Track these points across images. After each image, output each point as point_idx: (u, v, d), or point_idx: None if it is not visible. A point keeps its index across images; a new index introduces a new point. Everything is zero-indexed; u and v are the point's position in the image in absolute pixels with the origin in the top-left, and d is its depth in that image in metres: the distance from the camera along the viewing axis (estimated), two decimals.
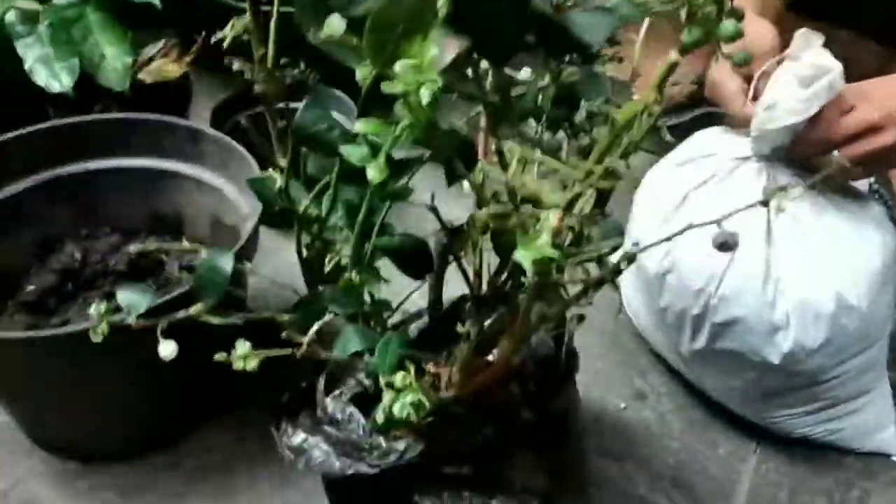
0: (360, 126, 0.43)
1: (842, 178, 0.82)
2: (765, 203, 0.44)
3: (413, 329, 0.74)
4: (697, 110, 0.94)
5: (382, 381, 0.51)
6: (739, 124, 0.84)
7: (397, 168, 0.48)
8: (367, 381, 0.71)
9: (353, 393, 0.71)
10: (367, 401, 0.68)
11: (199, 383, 0.90)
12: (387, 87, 0.40)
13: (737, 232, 0.43)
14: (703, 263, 0.82)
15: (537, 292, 0.50)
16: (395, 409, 0.49)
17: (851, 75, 0.76)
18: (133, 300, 0.50)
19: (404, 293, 0.66)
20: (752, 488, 0.88)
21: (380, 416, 0.50)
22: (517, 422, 0.68)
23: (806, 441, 0.91)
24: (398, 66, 0.37)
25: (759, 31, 0.84)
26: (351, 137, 0.49)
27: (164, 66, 1.19)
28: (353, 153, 0.47)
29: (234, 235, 0.87)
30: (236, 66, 0.58)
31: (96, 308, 0.48)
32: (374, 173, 0.45)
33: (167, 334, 0.51)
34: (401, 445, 0.66)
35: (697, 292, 0.82)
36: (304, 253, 0.59)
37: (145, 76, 1.22)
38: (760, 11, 0.92)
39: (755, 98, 0.80)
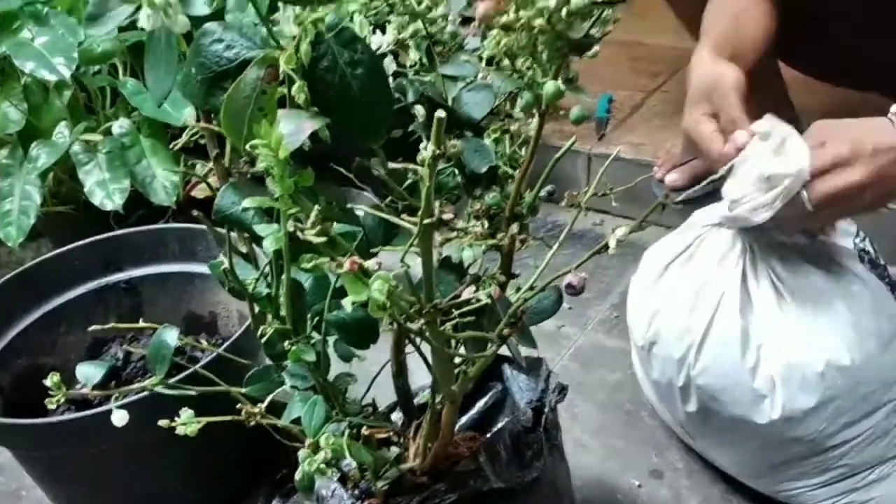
0: (247, 202, 0.49)
1: (813, 226, 0.81)
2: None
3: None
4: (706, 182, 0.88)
5: (308, 442, 0.55)
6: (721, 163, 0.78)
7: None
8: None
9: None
10: None
11: (224, 472, 0.95)
12: (258, 166, 0.46)
13: (585, 276, 0.45)
14: (681, 334, 0.82)
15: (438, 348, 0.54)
16: (306, 466, 0.52)
17: None
18: (89, 372, 0.56)
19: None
20: None
21: (298, 475, 0.54)
22: (482, 491, 0.69)
23: None
24: (250, 146, 0.43)
25: (719, 70, 0.84)
26: (264, 217, 0.55)
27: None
28: (261, 230, 0.53)
29: None
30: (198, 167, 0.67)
31: (50, 379, 0.55)
32: (269, 244, 0.51)
33: None
34: None
35: (679, 363, 0.82)
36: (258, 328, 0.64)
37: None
38: (730, 56, 0.90)
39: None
